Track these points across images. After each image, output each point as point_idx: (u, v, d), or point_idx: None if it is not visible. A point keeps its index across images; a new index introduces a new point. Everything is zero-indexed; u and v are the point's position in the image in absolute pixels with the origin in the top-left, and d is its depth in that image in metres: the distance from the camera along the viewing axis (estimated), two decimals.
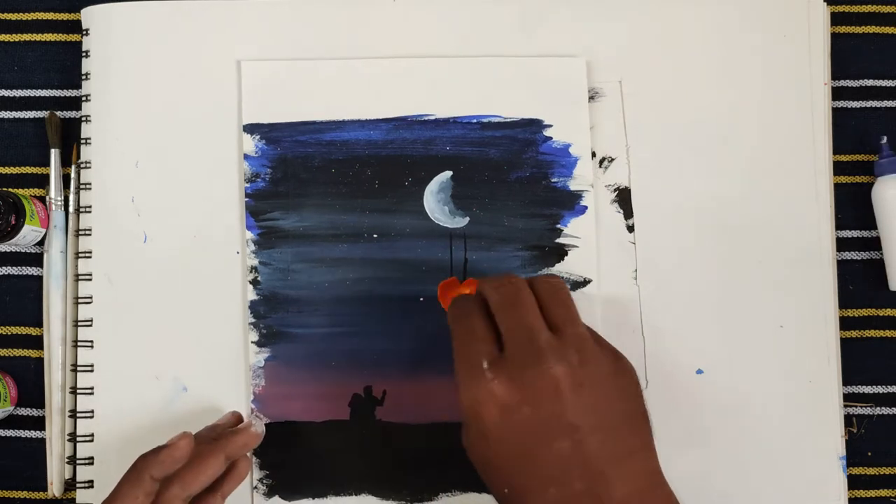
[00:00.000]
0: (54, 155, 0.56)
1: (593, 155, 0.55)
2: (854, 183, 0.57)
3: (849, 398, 0.55)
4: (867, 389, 0.56)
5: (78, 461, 0.53)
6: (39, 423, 0.55)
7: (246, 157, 0.54)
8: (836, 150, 0.57)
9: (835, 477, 0.53)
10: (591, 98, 0.56)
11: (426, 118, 0.55)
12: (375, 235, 0.54)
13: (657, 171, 0.55)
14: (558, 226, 0.54)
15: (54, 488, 0.54)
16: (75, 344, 0.54)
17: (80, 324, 0.54)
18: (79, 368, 0.53)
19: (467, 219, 0.54)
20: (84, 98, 0.55)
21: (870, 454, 0.55)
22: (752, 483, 0.53)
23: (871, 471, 0.55)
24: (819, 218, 0.55)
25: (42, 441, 0.54)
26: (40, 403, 0.55)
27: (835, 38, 0.57)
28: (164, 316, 0.54)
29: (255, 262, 0.54)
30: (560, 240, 0.54)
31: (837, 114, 0.57)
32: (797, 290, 0.54)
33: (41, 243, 0.55)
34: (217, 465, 0.47)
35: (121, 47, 0.55)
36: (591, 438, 0.40)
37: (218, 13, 0.56)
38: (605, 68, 0.56)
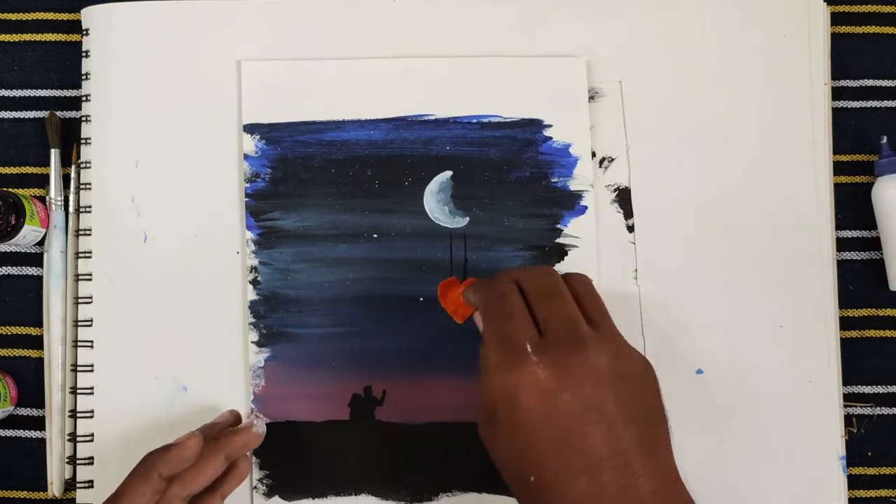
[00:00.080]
0: (54, 155, 0.56)
1: (593, 155, 0.55)
2: (854, 183, 0.57)
3: (849, 398, 0.55)
4: (867, 389, 0.56)
5: (78, 461, 0.53)
6: (39, 423, 0.55)
7: (246, 157, 0.54)
8: (836, 150, 0.57)
9: (835, 477, 0.53)
10: (591, 98, 0.56)
11: (426, 118, 0.55)
12: (375, 235, 0.54)
13: (657, 171, 0.55)
14: (558, 226, 0.54)
15: (54, 488, 0.54)
16: (75, 344, 0.54)
17: (80, 324, 0.54)
18: (79, 368, 0.53)
19: (467, 219, 0.54)
20: (84, 98, 0.55)
21: (870, 454, 0.55)
22: (752, 483, 0.53)
23: (871, 471, 0.55)
24: (819, 218, 0.55)
25: (42, 441, 0.54)
26: (40, 403, 0.55)
27: (835, 38, 0.57)
28: (164, 316, 0.54)
29: (255, 262, 0.54)
30: (560, 240, 0.54)
31: (837, 114, 0.57)
32: (797, 290, 0.54)
33: (41, 243, 0.55)
34: (217, 465, 0.47)
35: (121, 47, 0.55)
36: (625, 430, 0.40)
37: (218, 13, 0.56)
38: (605, 68, 0.56)
